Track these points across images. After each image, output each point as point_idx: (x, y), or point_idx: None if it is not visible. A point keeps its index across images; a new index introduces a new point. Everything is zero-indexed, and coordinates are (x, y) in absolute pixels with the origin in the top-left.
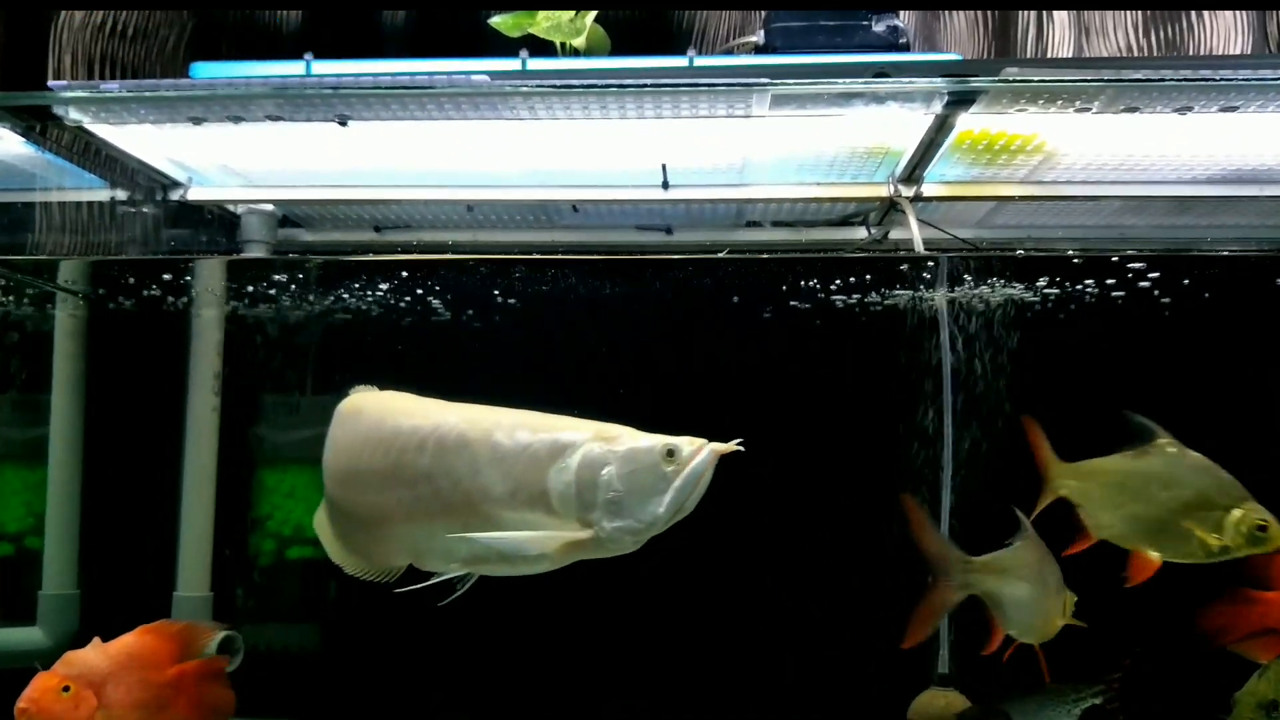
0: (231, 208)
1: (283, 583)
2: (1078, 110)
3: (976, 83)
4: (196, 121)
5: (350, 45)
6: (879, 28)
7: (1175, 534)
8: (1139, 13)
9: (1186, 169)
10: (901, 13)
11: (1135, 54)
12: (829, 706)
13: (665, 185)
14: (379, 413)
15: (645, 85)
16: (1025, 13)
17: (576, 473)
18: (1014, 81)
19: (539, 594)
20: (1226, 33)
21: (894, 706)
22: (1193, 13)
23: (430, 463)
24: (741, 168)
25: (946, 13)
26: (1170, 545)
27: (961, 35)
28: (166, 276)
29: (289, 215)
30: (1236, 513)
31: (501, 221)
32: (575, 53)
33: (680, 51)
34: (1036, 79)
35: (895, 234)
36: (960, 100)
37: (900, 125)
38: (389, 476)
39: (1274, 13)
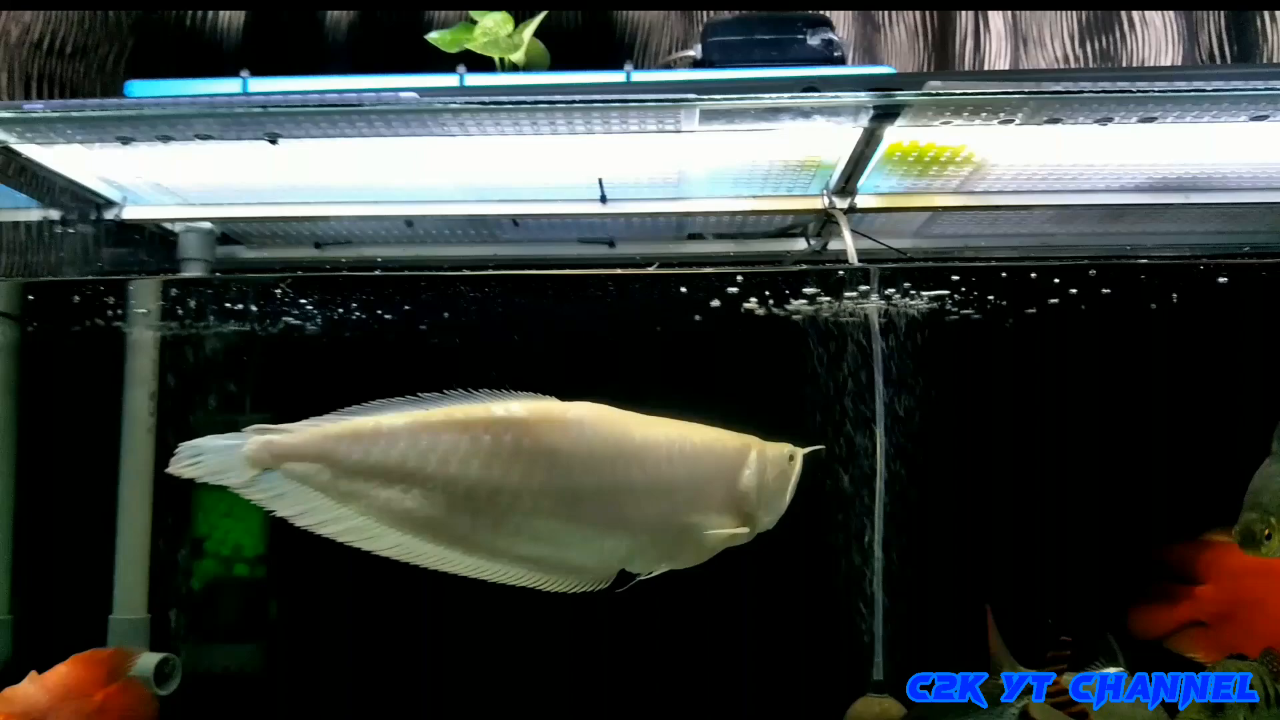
0: (169, 225)
1: (222, 603)
2: (1001, 123)
3: (901, 97)
4: (125, 141)
5: (290, 62)
6: (814, 41)
7: None
8: (1075, 24)
9: (1114, 178)
10: (839, 26)
11: (1072, 64)
12: (766, 713)
13: (603, 199)
14: (608, 426)
15: (574, 102)
16: (963, 25)
17: (757, 475)
18: (936, 95)
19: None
20: (1157, 43)
21: (831, 713)
22: (1126, 24)
23: (678, 472)
24: (678, 181)
25: (887, 25)
26: None
27: (902, 47)
28: (100, 295)
29: (227, 232)
30: None
31: (443, 236)
32: (514, 68)
33: (620, 66)
34: (958, 92)
35: (834, 245)
36: (885, 114)
37: (830, 138)
38: (631, 487)
39: (1205, 26)
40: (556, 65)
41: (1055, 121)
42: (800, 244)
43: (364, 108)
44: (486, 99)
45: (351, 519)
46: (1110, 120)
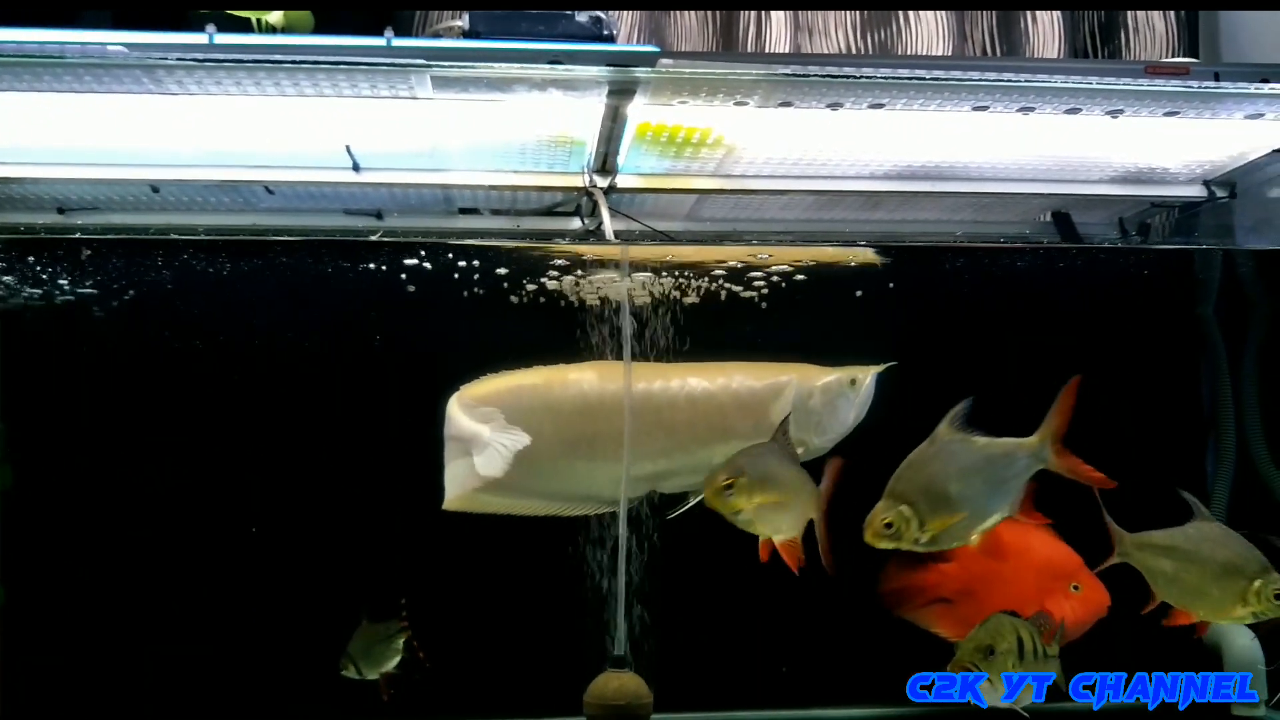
0: None
1: None
2: (737, 104)
3: (638, 73)
4: None
5: (40, 13)
6: (582, 18)
7: (1210, 598)
8: (857, 15)
9: (864, 166)
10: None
11: (852, 53)
12: (510, 690)
13: (356, 168)
14: (600, 381)
15: (299, 62)
16: (747, 12)
17: (793, 404)
18: (665, 73)
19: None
20: (929, 37)
21: (572, 688)
22: (902, 17)
23: (684, 412)
24: (430, 152)
25: (677, 10)
26: (1208, 607)
27: (692, 32)
28: None
29: None
30: (1258, 582)
31: (194, 204)
32: (272, 29)
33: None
34: (686, 71)
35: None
36: (622, 90)
37: (578, 115)
38: (643, 428)
39: (979, 25)
40: (324, 30)
41: (788, 105)
42: (575, 222)
43: (68, 60)
44: (200, 56)
45: None
46: (840, 106)
